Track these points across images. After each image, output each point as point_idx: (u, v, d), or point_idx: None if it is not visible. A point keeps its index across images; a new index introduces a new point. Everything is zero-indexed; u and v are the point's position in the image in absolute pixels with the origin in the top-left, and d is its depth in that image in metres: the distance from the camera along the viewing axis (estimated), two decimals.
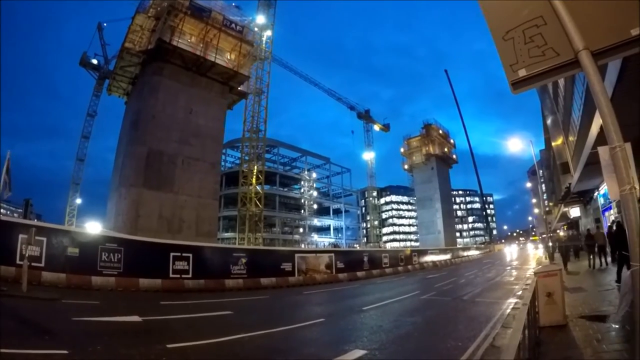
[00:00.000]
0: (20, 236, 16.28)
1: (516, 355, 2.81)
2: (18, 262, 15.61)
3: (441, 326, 10.47)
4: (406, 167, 78.07)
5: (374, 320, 11.41)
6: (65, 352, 6.90)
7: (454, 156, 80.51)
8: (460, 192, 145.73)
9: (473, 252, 64.26)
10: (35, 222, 21.89)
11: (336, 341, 8.70)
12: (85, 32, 66.52)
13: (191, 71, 31.25)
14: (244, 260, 22.19)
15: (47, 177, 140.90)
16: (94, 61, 47.05)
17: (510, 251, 76.30)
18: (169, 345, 7.77)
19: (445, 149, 76.97)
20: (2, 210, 28.15)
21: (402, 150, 78.84)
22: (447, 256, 46.33)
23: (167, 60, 30.41)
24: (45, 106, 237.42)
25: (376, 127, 76.58)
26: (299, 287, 22.37)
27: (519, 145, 33.97)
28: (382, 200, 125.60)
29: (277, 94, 40.47)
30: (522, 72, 3.07)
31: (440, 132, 77.30)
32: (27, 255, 14.26)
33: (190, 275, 19.70)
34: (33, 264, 14.63)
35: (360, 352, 7.39)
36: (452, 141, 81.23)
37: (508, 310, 11.68)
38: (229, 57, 33.99)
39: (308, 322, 10.96)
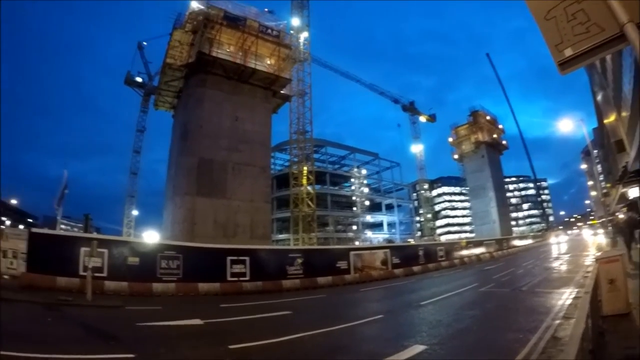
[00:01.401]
0: (82, 249, 17.34)
1: (579, 346, 2.67)
2: (81, 273, 16.57)
3: (501, 319, 10.25)
4: (456, 156, 75.65)
5: (432, 315, 11.27)
6: (131, 355, 7.22)
7: (504, 142, 76.84)
8: (514, 179, 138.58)
9: (530, 241, 61.83)
10: (96, 235, 23.31)
11: (395, 337, 8.59)
12: (125, 53, 70.45)
13: (233, 79, 31.80)
14: (299, 261, 22.40)
15: (100, 192, 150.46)
16: (138, 79, 49.38)
17: (567, 238, 73.77)
18: (230, 346, 7.90)
19: (494, 135, 73.72)
20: (62, 226, 30.11)
21: (450, 139, 76.57)
22: (504, 246, 44.36)
23: (209, 71, 31.15)
24: (93, 125, 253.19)
25: (422, 119, 74.58)
26: (355, 285, 22.31)
27: (570, 126, 31.61)
28: (434, 193, 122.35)
29: (318, 93, 40.38)
30: (569, 52, 2.96)
31: (488, 118, 74.15)
32: (90, 266, 15.11)
33: (247, 278, 20.20)
34: (96, 274, 15.49)
35: (420, 348, 7.26)
36: (500, 126, 77.64)
37: (569, 300, 11.24)
38: (269, 62, 34.29)
39: (366, 319, 10.90)
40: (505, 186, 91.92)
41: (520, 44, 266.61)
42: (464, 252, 34.84)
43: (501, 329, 8.90)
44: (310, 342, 8.47)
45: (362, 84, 67.68)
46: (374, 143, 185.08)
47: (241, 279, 20.09)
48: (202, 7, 33.29)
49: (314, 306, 15.70)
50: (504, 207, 74.56)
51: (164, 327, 10.56)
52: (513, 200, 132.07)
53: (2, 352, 6.55)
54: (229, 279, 19.83)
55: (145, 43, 49.21)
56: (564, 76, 3.22)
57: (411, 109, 73.72)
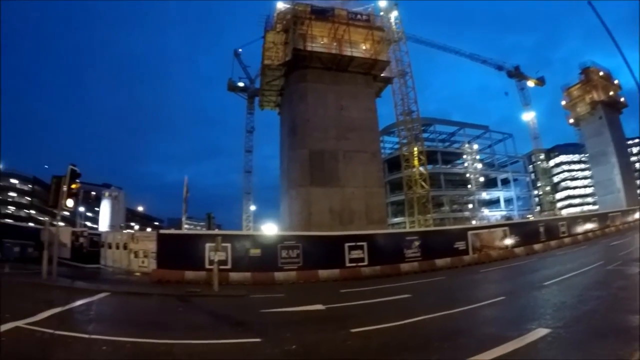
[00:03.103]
0: (207, 245, 19.00)
1: None
2: (207, 266, 18.20)
3: (631, 300, 9.19)
4: (571, 120, 68.29)
5: (556, 297, 10.69)
6: (257, 340, 7.58)
7: (622, 99, 66.75)
8: (637, 141, 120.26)
9: None
10: (219, 232, 25.30)
11: (517, 320, 8.23)
12: (221, 62, 75.15)
13: (332, 70, 32.19)
14: (417, 243, 22.18)
15: (216, 191, 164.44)
16: (240, 84, 52.03)
17: None
18: (352, 330, 8.01)
19: (611, 92, 64.60)
20: (185, 226, 33.22)
21: (563, 103, 69.35)
22: (631, 218, 38.65)
23: (307, 65, 31.93)
24: (203, 132, 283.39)
25: (530, 83, 68.14)
26: (474, 266, 21.74)
27: None
28: (552, 163, 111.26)
29: (417, 70, 38.83)
30: None
31: (601, 74, 65.11)
32: (216, 260, 16.43)
33: (365, 263, 20.52)
34: (221, 267, 16.85)
35: (544, 331, 6.82)
36: (616, 82, 67.55)
37: None
38: (364, 48, 34.18)
39: (487, 301, 10.64)
40: (629, 149, 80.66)
41: None
42: (588, 226, 31.39)
43: (631, 311, 7.97)
44: (431, 325, 8.44)
45: (461, 55, 63.88)
46: (482, 115, 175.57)
47: (359, 264, 20.41)
48: (288, 5, 34.19)
49: (433, 289, 15.59)
50: (629, 173, 65.40)
51: (287, 313, 11.11)
52: (638, 165, 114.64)
53: (142, 340, 7.32)
54: (348, 264, 20.28)
55: (240, 50, 51.83)
56: None
57: (517, 75, 67.83)
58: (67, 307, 10.51)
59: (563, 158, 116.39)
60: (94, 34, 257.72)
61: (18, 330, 7.37)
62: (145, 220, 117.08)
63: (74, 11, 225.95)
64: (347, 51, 32.37)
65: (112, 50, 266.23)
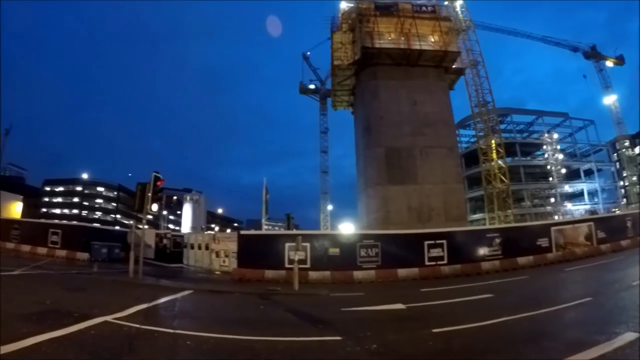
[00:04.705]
0: (287, 244, 19.38)
1: None
2: (287, 266, 18.58)
3: None
4: None
5: None
6: (338, 338, 7.52)
7: None
8: None
9: None
10: (298, 231, 25.85)
11: (604, 322, 7.62)
12: (288, 67, 76.89)
13: (402, 65, 31.79)
14: (497, 241, 21.30)
15: (292, 191, 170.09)
16: (311, 86, 52.72)
17: None
18: (434, 330, 7.84)
19: None
20: (264, 227, 34.23)
21: None
22: None
23: (376, 63, 31.83)
24: (275, 136, 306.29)
25: (608, 63, 62.55)
26: (557, 264, 20.49)
27: None
28: (638, 150, 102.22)
29: (487, 58, 37.17)
30: None
31: None
32: (296, 259, 16.65)
33: (445, 262, 19.96)
34: (300, 266, 16.96)
35: (633, 335, 6.31)
36: None
37: None
38: (432, 40, 33.41)
39: (572, 302, 9.98)
40: None
41: None
42: None
43: None
44: (514, 326, 8.11)
45: (533, 39, 60.22)
46: (560, 101, 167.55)
47: (439, 262, 19.90)
48: (351, 5, 34.20)
49: (516, 289, 14.98)
50: None
51: (367, 311, 11.00)
52: None
53: (224, 336, 7.44)
54: (427, 263, 19.81)
55: (308, 53, 52.54)
56: None
57: (594, 55, 62.59)
58: (152, 303, 11.03)
59: None
60: (172, 50, 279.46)
61: (106, 324, 7.80)
62: (225, 221, 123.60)
63: (158, 30, 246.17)
64: (416, 45, 31.83)
65: (192, 66, 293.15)
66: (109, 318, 8.21)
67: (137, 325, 7.76)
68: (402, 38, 32.65)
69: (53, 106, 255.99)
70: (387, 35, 33.20)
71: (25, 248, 24.79)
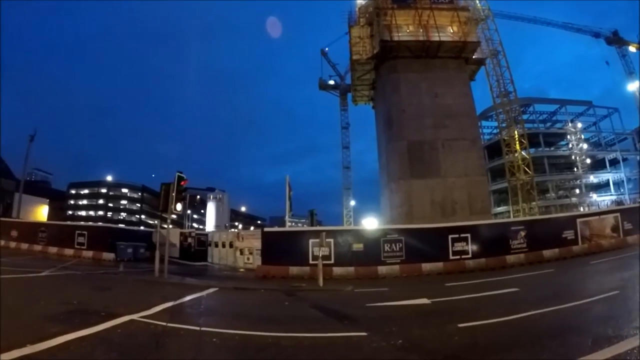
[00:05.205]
0: (311, 241, 19.40)
1: None
2: (311, 262, 18.59)
3: None
4: None
5: None
6: (364, 333, 7.47)
7: None
8: None
9: None
10: (322, 227, 25.94)
11: (632, 317, 7.40)
12: (305, 65, 76.74)
13: (422, 57, 31.52)
14: (522, 234, 20.95)
15: (314, 188, 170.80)
16: (331, 82, 52.25)
17: None
18: (459, 325, 7.77)
19: None
20: (288, 223, 34.33)
21: None
22: None
23: (396, 56, 31.64)
24: (297, 133, 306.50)
25: (632, 48, 60.48)
26: (583, 257, 20.00)
27: None
28: None
29: (507, 47, 36.39)
30: None
31: None
32: (320, 255, 16.71)
33: (469, 255, 19.77)
34: (324, 262, 16.98)
35: None
36: None
37: None
38: (451, 31, 32.97)
39: (599, 295, 9.72)
40: None
41: None
42: None
43: None
44: (540, 320, 7.94)
45: (553, 26, 58.88)
46: (583, 89, 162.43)
47: (463, 256, 19.70)
48: None
49: (541, 282, 14.68)
50: None
51: (392, 307, 10.94)
52: None
53: (250, 332, 7.51)
54: (452, 257, 19.63)
55: (327, 49, 52.07)
56: None
57: (617, 40, 60.73)
58: (178, 301, 11.14)
59: None
60: (195, 53, 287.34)
61: (133, 323, 7.89)
62: (248, 219, 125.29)
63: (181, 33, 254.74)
64: (435, 36, 31.48)
65: (213, 67, 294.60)
66: (135, 317, 8.37)
67: (164, 324, 7.90)
68: (421, 30, 32.28)
69: (78, 110, 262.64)
70: (406, 28, 32.93)
71: (53, 250, 25.50)
